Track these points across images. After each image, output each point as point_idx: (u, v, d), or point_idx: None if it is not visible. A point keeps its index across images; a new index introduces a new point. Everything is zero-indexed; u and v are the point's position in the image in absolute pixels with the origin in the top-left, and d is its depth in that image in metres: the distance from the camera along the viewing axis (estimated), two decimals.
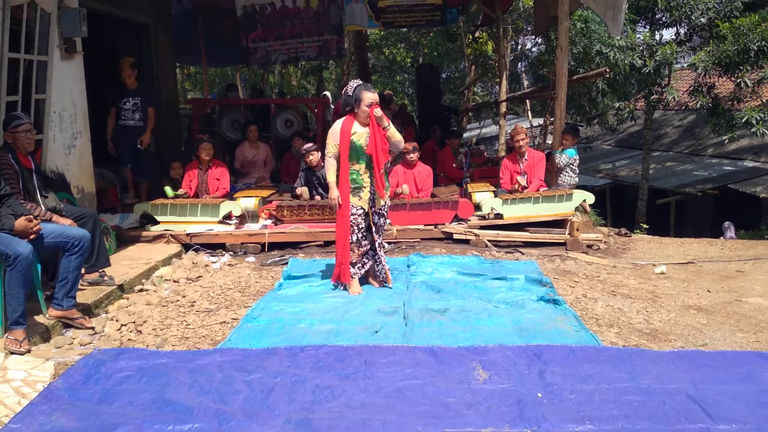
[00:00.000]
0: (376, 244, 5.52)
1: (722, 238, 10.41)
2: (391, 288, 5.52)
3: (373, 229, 5.47)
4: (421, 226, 7.22)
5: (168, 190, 7.38)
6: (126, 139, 7.95)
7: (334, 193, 5.29)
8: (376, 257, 5.56)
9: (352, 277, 5.40)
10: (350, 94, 5.22)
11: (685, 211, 15.53)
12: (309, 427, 3.15)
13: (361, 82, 5.32)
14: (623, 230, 8.41)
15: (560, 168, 8.05)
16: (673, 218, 15.06)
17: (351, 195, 5.29)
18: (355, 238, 5.35)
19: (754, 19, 11.34)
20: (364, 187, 5.32)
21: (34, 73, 5.79)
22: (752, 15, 11.50)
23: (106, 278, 5.33)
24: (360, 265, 5.48)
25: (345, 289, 5.42)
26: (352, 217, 5.30)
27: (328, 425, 3.16)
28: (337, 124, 5.31)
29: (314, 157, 7.53)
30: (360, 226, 5.36)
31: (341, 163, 5.31)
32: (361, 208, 5.35)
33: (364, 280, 5.61)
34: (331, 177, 5.34)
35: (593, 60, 12.14)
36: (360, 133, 5.24)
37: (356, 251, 5.40)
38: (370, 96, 5.16)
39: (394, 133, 5.35)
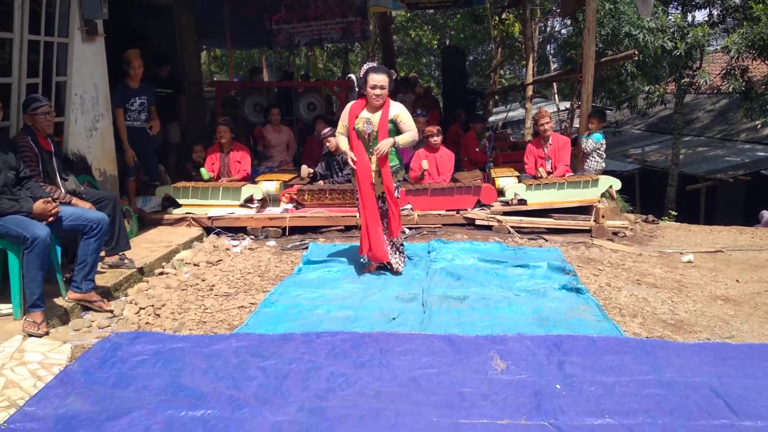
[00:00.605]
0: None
1: (757, 226, 10.14)
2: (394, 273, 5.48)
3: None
4: (443, 212, 7.13)
5: (203, 171, 7.37)
6: (135, 142, 7.00)
7: (349, 153, 5.20)
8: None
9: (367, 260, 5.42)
10: (360, 76, 5.20)
11: (716, 198, 15.17)
12: (321, 416, 3.11)
13: (373, 65, 5.25)
14: (650, 217, 8.23)
15: (586, 153, 7.89)
16: (703, 205, 14.73)
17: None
18: (360, 223, 5.39)
19: None
20: (373, 171, 5.24)
21: (54, 56, 5.78)
22: None
23: (126, 261, 5.35)
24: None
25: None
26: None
27: (341, 414, 3.12)
28: (348, 106, 5.30)
29: (333, 142, 7.47)
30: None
31: (351, 144, 5.26)
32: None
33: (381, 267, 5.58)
34: (343, 145, 5.27)
35: (622, 42, 11.83)
36: (361, 117, 5.16)
37: (360, 233, 5.43)
38: (374, 78, 5.05)
39: (402, 138, 5.19)
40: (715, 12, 13.69)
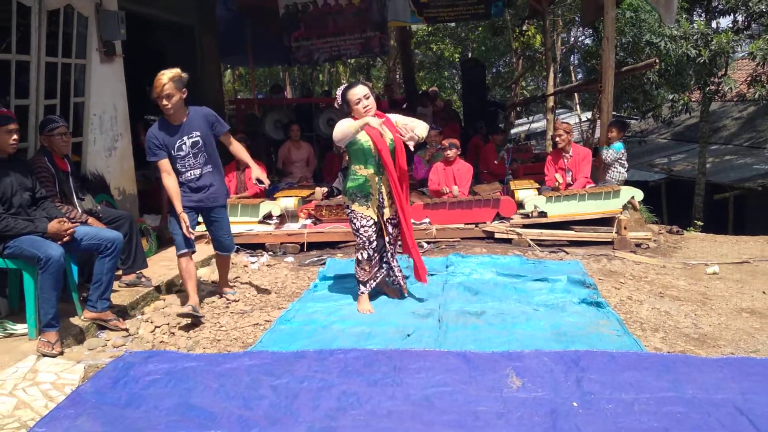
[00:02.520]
0: (389, 254, 5.02)
1: None
2: (406, 296, 5.14)
3: (387, 239, 4.98)
4: (462, 225, 7.06)
5: None
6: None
7: (366, 120, 4.59)
8: (390, 267, 5.08)
9: (361, 293, 4.94)
10: (341, 102, 4.75)
11: (745, 208, 14.87)
12: None
13: (345, 85, 4.83)
14: (675, 228, 8.08)
15: (608, 164, 7.78)
16: (731, 215, 14.45)
17: (357, 204, 4.82)
18: (366, 255, 4.85)
19: None
20: (372, 195, 4.82)
21: (72, 77, 5.85)
22: None
23: (143, 279, 5.36)
24: (372, 281, 4.98)
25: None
26: (362, 229, 4.81)
27: None
28: (338, 128, 4.72)
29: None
30: (371, 240, 4.84)
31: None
32: (371, 218, 4.83)
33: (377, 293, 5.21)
34: (354, 125, 4.63)
35: (643, 51, 11.71)
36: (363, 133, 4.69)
37: (367, 269, 4.89)
38: (356, 92, 4.64)
39: (408, 124, 4.72)
40: (740, 18, 13.51)
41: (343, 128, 4.67)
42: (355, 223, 4.86)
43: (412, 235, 4.93)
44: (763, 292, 5.25)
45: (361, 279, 4.93)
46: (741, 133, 17.64)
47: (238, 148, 5.15)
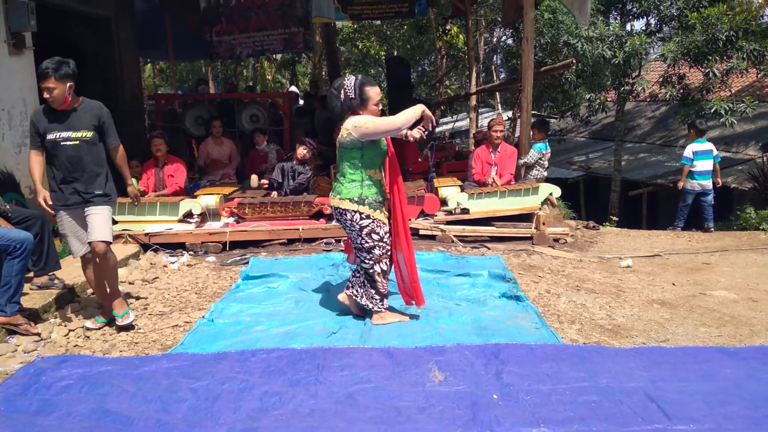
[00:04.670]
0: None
1: None
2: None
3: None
4: None
5: (134, 184, 7.17)
6: None
7: (415, 111, 4.24)
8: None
9: (385, 309, 4.54)
10: (353, 96, 4.25)
11: (658, 203, 15.55)
12: None
13: (360, 77, 4.37)
14: (591, 223, 8.36)
15: (529, 165, 7.99)
16: (645, 210, 15.08)
17: (378, 211, 4.40)
18: (385, 267, 4.48)
19: (722, 8, 11.34)
20: (386, 200, 4.51)
21: None
22: (720, 4, 11.50)
23: (56, 281, 5.15)
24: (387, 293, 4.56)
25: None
26: (386, 237, 4.42)
27: None
28: (379, 121, 4.27)
29: (300, 151, 7.51)
30: (389, 251, 4.50)
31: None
32: (387, 225, 4.49)
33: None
34: (405, 115, 4.22)
35: (561, 51, 12.06)
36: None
37: (385, 281, 4.50)
38: (377, 90, 4.32)
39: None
40: (652, 21, 14.06)
41: (394, 120, 4.22)
42: (378, 233, 4.37)
43: (410, 237, 4.55)
44: (673, 284, 5.50)
45: (382, 292, 4.48)
46: (654, 132, 18.41)
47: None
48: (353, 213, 4.34)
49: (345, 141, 4.31)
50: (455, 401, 3.33)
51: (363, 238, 4.37)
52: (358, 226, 4.35)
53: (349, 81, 4.32)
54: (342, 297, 4.70)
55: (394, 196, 4.47)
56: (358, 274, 4.58)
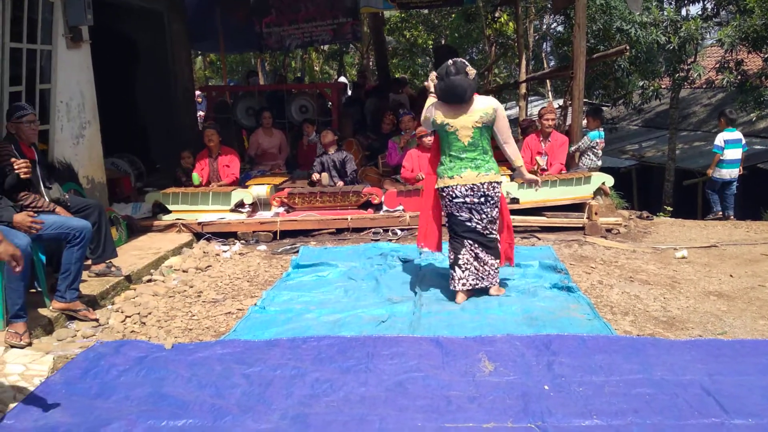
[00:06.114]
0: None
1: None
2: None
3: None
4: None
5: (195, 177, 7.35)
6: None
7: None
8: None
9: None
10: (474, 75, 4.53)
11: None
12: (304, 423, 3.05)
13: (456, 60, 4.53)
14: (645, 213, 8.17)
15: (582, 152, 7.85)
16: (700, 200, 14.66)
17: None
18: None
19: None
20: None
21: (38, 63, 5.73)
22: None
23: (113, 269, 5.29)
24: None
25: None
26: None
27: (324, 420, 3.07)
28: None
29: (326, 139, 7.53)
30: None
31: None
32: None
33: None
34: None
35: (614, 38, 11.77)
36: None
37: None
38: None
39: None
40: (708, 5, 13.64)
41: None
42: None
43: None
44: (730, 276, 5.34)
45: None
46: (710, 120, 17.85)
47: None
48: (499, 185, 4.72)
49: (489, 120, 4.58)
50: (506, 392, 3.32)
51: (497, 209, 4.72)
52: (498, 198, 4.71)
53: (465, 62, 4.51)
54: (494, 291, 4.83)
55: None
56: (469, 261, 4.70)
